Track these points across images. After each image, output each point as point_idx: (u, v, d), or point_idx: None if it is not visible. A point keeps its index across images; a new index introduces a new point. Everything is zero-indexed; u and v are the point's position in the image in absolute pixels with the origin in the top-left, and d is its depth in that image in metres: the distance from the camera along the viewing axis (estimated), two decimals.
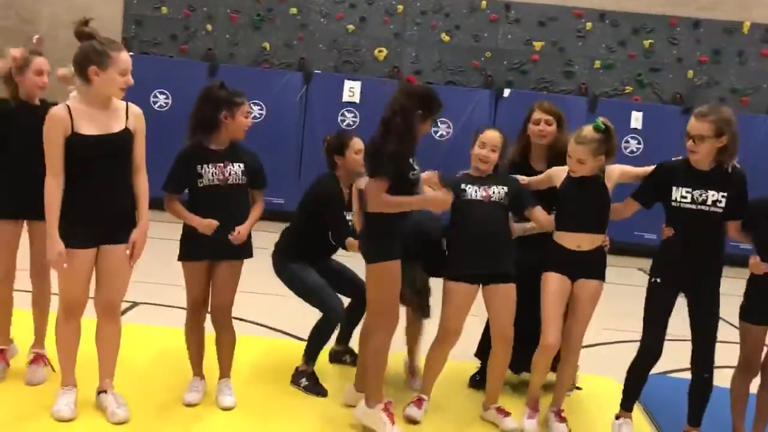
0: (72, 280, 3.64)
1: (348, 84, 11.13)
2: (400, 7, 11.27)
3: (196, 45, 11.48)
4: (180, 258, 4.06)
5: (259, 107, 10.86)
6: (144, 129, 3.82)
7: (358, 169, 4.32)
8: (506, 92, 10.99)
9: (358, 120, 10.95)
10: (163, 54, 11.42)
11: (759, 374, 3.98)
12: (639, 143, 10.83)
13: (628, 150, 10.84)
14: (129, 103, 3.81)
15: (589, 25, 11.19)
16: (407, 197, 3.81)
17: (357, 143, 4.47)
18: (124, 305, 4.40)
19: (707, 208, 3.84)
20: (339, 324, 4.61)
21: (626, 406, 4.13)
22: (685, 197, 3.85)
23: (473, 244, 4.07)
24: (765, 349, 3.99)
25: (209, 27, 11.47)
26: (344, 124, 10.93)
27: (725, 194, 3.83)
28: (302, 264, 4.49)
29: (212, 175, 3.97)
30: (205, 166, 3.97)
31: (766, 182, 10.35)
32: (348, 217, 4.41)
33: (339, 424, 4.04)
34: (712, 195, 3.83)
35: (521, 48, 11.28)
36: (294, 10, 11.38)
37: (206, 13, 11.46)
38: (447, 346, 4.13)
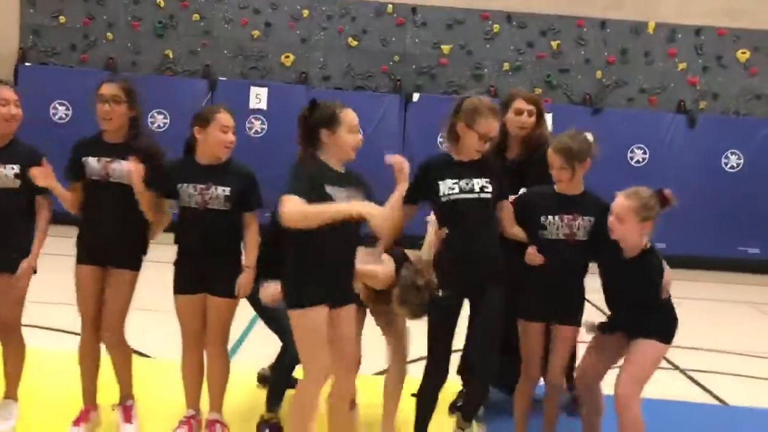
0: None
1: (254, 90, 10.88)
2: (306, 12, 11.06)
3: (97, 54, 11.11)
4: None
5: (162, 116, 10.57)
6: None
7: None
8: (415, 97, 10.85)
9: (266, 127, 10.70)
10: (63, 64, 11.04)
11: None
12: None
13: None
14: None
15: (496, 27, 11.11)
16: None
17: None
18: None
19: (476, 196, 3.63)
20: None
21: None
22: (453, 188, 3.62)
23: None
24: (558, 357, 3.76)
25: (110, 35, 11.11)
26: (252, 131, 10.68)
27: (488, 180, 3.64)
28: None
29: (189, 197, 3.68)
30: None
31: (679, 177, 10.53)
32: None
33: None
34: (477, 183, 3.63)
35: (429, 52, 11.15)
36: (197, 17, 11.09)
37: (106, 21, 11.11)
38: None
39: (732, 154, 10.89)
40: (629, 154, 10.85)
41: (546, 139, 4.20)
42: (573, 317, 3.70)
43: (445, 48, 11.11)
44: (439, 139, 11.27)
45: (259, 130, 10.75)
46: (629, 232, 3.45)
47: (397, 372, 3.91)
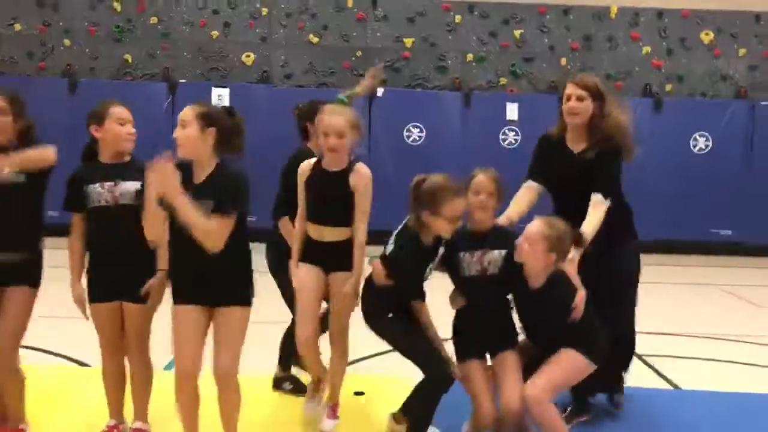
0: None
1: (216, 91, 10.71)
2: (265, 10, 10.92)
3: (55, 61, 10.93)
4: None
5: None
6: None
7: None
8: (380, 91, 10.71)
9: None
10: (21, 73, 10.85)
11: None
12: (516, 134, 10.68)
13: (506, 142, 10.70)
14: None
15: (458, 18, 11.00)
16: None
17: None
18: None
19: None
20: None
21: None
22: None
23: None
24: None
25: (67, 42, 10.93)
26: None
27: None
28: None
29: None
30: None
31: (648, 161, 10.44)
32: None
33: None
34: None
35: (392, 45, 11.03)
36: (155, 20, 10.93)
37: (62, 28, 10.93)
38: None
39: (700, 136, 10.84)
40: None
41: (618, 130, 3.90)
42: (507, 343, 3.66)
43: (408, 41, 11.00)
44: (405, 134, 11.24)
45: None
46: (534, 257, 3.43)
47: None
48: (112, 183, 3.53)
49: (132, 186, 3.52)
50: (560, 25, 11.08)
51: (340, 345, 3.83)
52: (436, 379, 3.48)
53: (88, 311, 3.60)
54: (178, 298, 3.30)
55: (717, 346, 6.03)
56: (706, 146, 10.85)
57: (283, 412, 4.21)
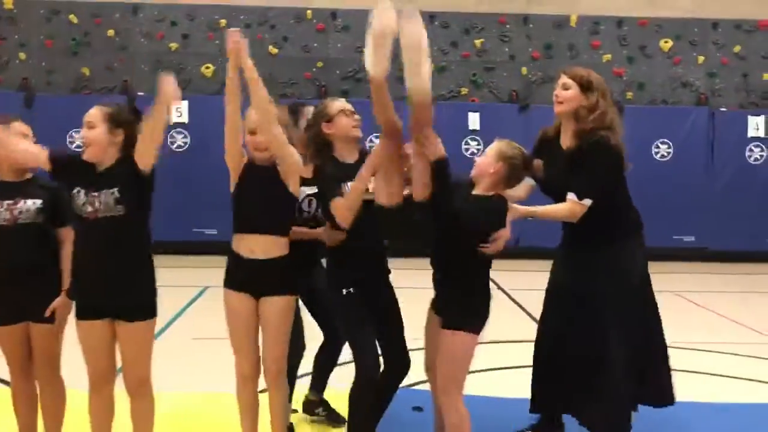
0: None
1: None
2: (223, 21, 10.82)
3: (11, 75, 10.77)
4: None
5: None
6: None
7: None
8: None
9: (188, 140, 10.44)
10: None
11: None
12: (478, 144, 10.64)
13: (469, 152, 10.66)
14: None
15: None
16: None
17: (310, 111, 3.91)
18: None
19: None
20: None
21: None
22: None
23: None
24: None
25: (22, 55, 10.78)
26: (174, 146, 10.40)
27: None
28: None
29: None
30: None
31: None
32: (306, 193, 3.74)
33: None
34: None
35: (353, 56, 10.96)
36: (111, 32, 10.81)
37: (18, 41, 10.78)
38: None
39: (662, 143, 10.88)
40: None
41: (604, 124, 3.57)
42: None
43: None
44: (368, 144, 11.19)
45: (182, 144, 10.49)
46: (483, 161, 3.36)
47: None
48: (11, 201, 3.39)
49: (33, 204, 3.39)
50: (521, 35, 11.09)
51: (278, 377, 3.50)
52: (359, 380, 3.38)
53: None
54: (81, 314, 3.24)
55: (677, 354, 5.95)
56: (668, 153, 10.88)
57: None
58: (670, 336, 4.03)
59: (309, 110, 3.88)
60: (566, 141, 3.71)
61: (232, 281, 3.43)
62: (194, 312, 6.97)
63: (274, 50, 10.91)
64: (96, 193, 3.13)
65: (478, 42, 11.02)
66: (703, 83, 11.19)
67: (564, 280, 3.82)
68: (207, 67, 10.88)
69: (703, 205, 10.80)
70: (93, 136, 3.15)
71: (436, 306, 3.44)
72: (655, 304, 3.90)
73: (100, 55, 10.84)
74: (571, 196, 3.55)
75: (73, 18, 10.77)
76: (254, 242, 3.37)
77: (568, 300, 3.73)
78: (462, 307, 3.30)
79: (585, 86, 3.61)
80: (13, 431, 3.63)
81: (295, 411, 4.13)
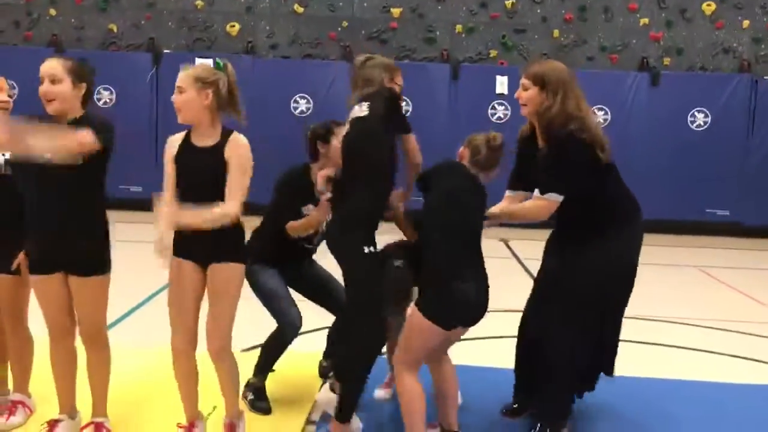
0: None
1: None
2: None
3: (41, 31, 10.88)
4: None
5: (109, 92, 10.37)
6: None
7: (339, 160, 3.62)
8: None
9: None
10: (7, 43, 10.83)
11: None
12: (506, 109, 10.35)
13: (495, 117, 10.38)
14: None
15: None
16: None
17: (342, 131, 3.72)
18: None
19: None
20: (293, 339, 3.95)
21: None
22: None
23: None
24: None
25: (53, 12, 10.87)
26: None
27: None
28: (271, 268, 3.90)
29: None
30: None
31: (639, 136, 10.07)
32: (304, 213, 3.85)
33: None
34: None
35: (379, 16, 10.75)
36: None
37: None
38: None
39: (699, 112, 10.40)
40: None
41: (557, 121, 3.39)
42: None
43: (395, 11, 10.71)
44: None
45: None
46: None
47: None
48: None
49: (1, 157, 3.36)
50: None
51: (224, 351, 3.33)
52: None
53: None
54: (35, 270, 3.26)
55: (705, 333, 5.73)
56: (705, 123, 10.40)
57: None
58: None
59: (343, 130, 3.65)
60: (541, 140, 3.54)
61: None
62: None
63: (299, 9, 10.75)
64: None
65: (508, 3, 10.66)
66: (747, 49, 10.62)
67: (550, 269, 3.70)
68: (232, 26, 10.80)
69: (740, 179, 10.32)
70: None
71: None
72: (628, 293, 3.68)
73: (128, 12, 10.86)
74: (535, 192, 3.44)
75: None
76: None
77: (547, 288, 3.66)
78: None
79: (541, 84, 3.44)
80: None
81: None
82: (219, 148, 3.16)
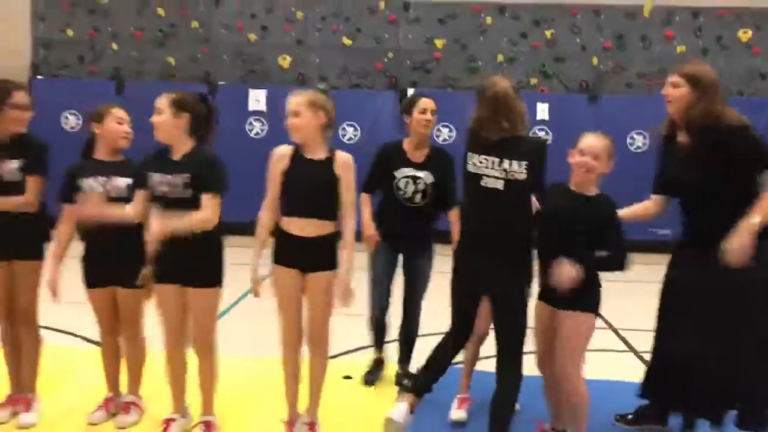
0: None
1: (252, 93, 11.13)
2: (300, 14, 11.25)
3: (104, 64, 11.53)
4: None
5: None
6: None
7: (422, 130, 4.45)
8: (410, 92, 10.93)
9: (266, 128, 10.96)
10: (72, 76, 11.49)
11: None
12: (547, 134, 10.71)
13: None
14: None
15: (489, 19, 11.11)
16: None
17: (423, 102, 4.57)
18: None
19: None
20: (376, 327, 4.63)
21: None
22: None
23: None
24: None
25: (115, 46, 11.52)
26: (252, 132, 10.95)
27: None
28: (383, 246, 4.50)
29: None
30: None
31: None
32: (406, 174, 4.50)
33: None
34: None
35: (423, 47, 11.22)
36: (196, 24, 11.40)
37: (111, 33, 11.51)
38: None
39: None
40: (629, 140, 10.71)
41: (719, 120, 3.68)
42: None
43: (439, 42, 11.17)
44: (435, 134, 11.33)
45: (260, 131, 11.02)
46: (602, 167, 3.71)
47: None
48: (105, 178, 3.87)
49: (123, 182, 3.86)
50: (591, 25, 11.05)
51: (320, 349, 3.81)
52: None
53: (59, 295, 3.92)
54: (159, 279, 3.73)
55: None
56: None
57: None
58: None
59: (423, 101, 4.67)
60: (682, 137, 3.80)
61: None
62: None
63: (347, 42, 11.26)
64: (170, 177, 3.61)
65: (548, 33, 11.06)
66: None
67: (702, 278, 3.67)
68: (284, 58, 11.34)
69: None
70: (159, 121, 3.69)
71: (547, 295, 3.58)
72: None
73: (185, 45, 11.47)
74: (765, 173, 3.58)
75: (160, 11, 11.42)
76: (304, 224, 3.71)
77: (704, 298, 3.63)
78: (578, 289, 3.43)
79: (694, 83, 3.69)
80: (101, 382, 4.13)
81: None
82: (329, 163, 3.68)
